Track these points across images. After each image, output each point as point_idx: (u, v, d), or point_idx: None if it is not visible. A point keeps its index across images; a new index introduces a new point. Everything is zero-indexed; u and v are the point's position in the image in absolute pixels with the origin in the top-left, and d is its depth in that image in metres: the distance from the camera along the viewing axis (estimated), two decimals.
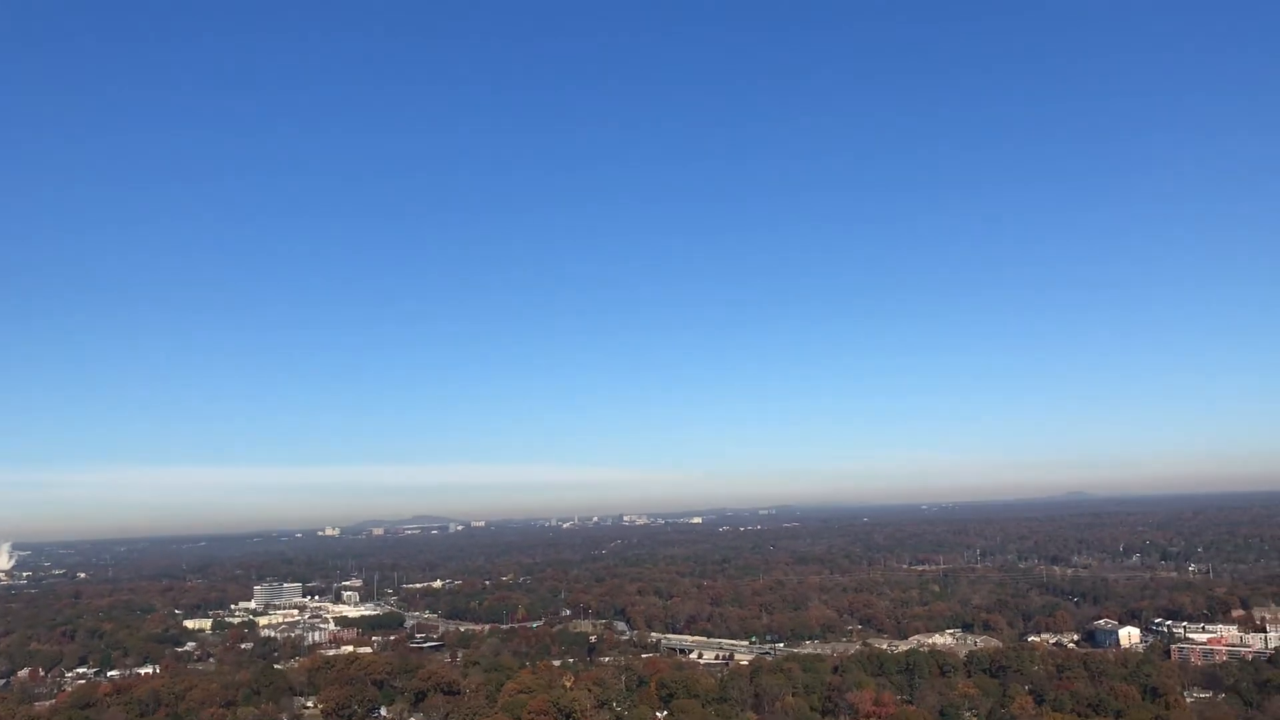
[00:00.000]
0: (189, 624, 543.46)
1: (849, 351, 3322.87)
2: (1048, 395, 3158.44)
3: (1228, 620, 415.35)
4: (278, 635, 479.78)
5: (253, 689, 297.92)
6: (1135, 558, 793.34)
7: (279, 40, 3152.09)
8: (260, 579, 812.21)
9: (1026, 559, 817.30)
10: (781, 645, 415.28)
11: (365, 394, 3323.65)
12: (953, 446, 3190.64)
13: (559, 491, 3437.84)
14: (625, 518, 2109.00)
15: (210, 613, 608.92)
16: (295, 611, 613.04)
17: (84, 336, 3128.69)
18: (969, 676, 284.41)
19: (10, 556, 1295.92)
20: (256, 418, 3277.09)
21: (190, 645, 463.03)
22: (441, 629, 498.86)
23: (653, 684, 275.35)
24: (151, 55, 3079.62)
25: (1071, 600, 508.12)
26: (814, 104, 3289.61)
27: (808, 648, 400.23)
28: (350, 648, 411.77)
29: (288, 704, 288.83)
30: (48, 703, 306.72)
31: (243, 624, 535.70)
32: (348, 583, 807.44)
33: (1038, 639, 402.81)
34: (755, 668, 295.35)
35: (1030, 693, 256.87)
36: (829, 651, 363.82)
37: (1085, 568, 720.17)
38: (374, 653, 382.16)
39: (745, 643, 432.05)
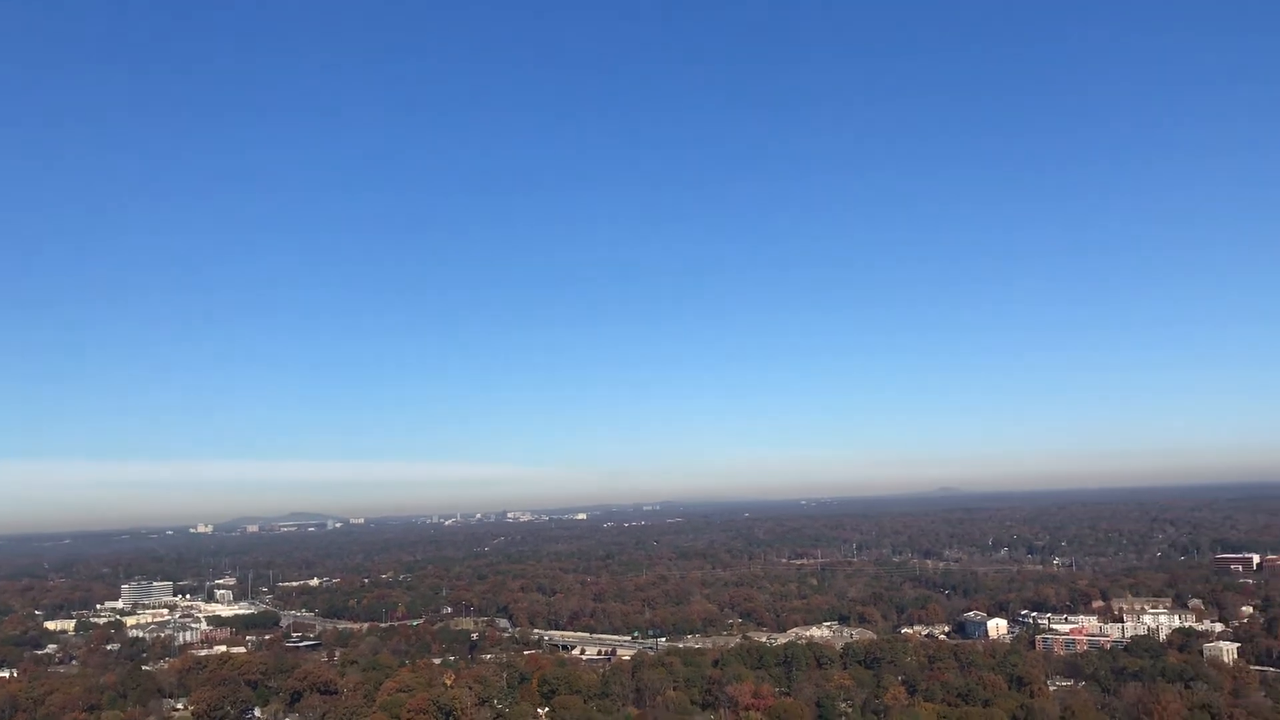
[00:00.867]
0: (50, 625, 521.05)
1: (730, 351, 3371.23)
2: (921, 395, 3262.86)
3: (1089, 611, 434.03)
4: (146, 636, 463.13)
5: (119, 691, 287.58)
6: (1003, 552, 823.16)
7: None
8: (128, 577, 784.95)
9: (901, 553, 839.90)
10: (663, 640, 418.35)
11: (238, 388, 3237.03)
12: (831, 444, 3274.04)
13: (441, 488, 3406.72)
14: (509, 514, 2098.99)
15: (74, 613, 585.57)
16: (165, 611, 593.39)
17: None
18: (845, 668, 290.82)
19: None
20: (125, 411, 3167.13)
21: (52, 648, 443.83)
22: (319, 628, 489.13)
23: (534, 681, 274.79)
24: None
25: (943, 593, 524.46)
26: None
27: (689, 642, 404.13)
28: (223, 648, 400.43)
29: (156, 706, 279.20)
30: None
31: (109, 624, 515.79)
32: (221, 581, 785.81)
33: (911, 631, 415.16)
34: (637, 663, 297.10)
35: (903, 683, 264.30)
36: (710, 645, 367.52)
37: (956, 561, 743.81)
38: (248, 652, 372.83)
39: (628, 638, 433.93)
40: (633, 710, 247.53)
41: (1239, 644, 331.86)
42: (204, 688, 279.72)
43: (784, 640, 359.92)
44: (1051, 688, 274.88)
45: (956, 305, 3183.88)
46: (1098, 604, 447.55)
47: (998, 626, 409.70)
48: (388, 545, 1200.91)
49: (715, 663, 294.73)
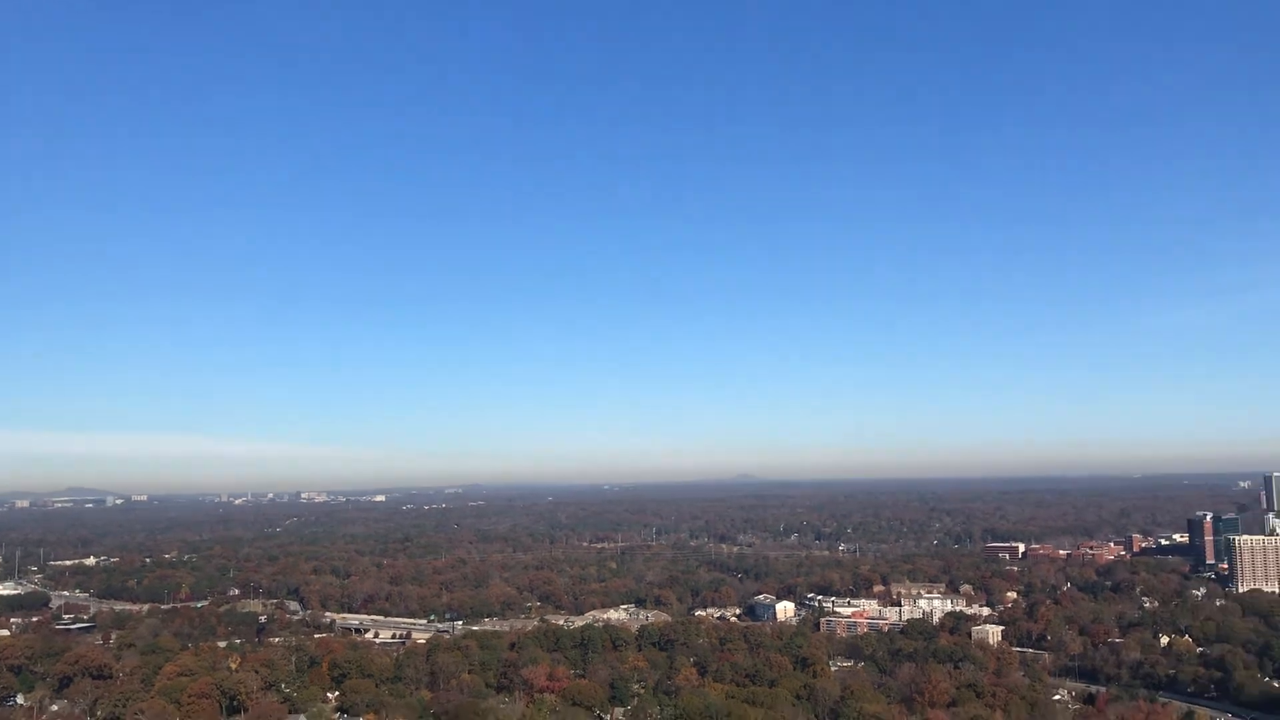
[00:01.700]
0: None
1: (535, 334, 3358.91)
2: (725, 386, 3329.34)
3: (870, 595, 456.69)
4: None
5: None
6: (794, 537, 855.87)
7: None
8: None
9: (698, 538, 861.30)
10: (461, 623, 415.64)
11: (7, 351, 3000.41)
12: (634, 430, 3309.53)
13: (231, 466, 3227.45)
14: (304, 495, 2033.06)
15: None
16: None
17: None
18: (639, 650, 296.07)
19: None
20: None
21: None
22: (94, 609, 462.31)
23: (325, 664, 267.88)
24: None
25: (736, 576, 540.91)
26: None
27: (487, 625, 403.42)
28: None
29: None
30: None
31: None
32: None
33: (704, 613, 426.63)
34: (432, 646, 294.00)
35: (695, 664, 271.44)
36: (508, 628, 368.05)
37: (750, 546, 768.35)
38: (12, 635, 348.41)
39: (424, 621, 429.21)
40: (426, 694, 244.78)
41: (1003, 626, 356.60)
42: None
43: (581, 623, 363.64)
44: (833, 668, 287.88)
45: (756, 302, 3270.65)
46: (878, 588, 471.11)
47: (786, 609, 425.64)
48: (172, 524, 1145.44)
49: (512, 646, 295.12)
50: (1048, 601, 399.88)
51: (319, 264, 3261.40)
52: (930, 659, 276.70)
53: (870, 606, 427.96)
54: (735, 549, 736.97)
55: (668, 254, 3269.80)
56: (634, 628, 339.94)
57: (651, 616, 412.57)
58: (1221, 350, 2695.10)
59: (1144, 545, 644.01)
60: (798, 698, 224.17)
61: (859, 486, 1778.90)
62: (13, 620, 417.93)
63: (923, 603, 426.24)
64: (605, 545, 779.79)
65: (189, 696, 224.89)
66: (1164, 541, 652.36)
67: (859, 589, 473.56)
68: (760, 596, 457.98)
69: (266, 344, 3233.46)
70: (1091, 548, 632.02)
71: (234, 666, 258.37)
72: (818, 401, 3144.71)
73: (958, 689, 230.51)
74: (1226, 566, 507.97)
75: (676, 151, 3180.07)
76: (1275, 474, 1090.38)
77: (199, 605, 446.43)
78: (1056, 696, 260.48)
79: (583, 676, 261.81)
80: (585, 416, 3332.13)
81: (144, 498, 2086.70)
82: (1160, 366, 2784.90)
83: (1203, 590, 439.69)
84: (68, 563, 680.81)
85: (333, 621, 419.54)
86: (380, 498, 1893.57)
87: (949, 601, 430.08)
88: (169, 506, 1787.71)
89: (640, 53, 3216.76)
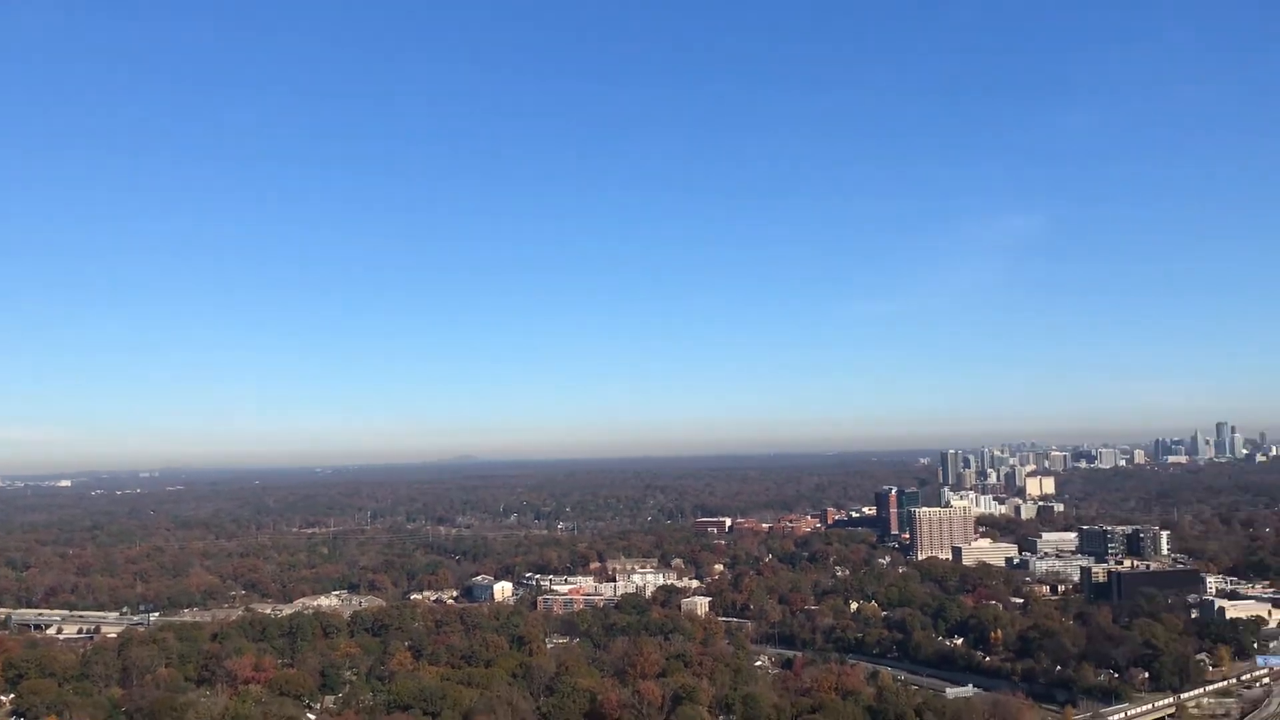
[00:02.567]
0: None
1: (235, 310, 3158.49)
2: (440, 360, 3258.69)
3: (587, 572, 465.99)
4: None
5: None
6: (514, 517, 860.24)
7: None
8: None
9: (415, 520, 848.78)
10: (157, 615, 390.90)
11: None
12: (348, 409, 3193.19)
13: None
14: None
15: None
16: None
17: None
18: (352, 636, 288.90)
19: None
20: None
21: None
22: None
23: None
24: None
25: (454, 559, 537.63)
26: None
27: (187, 616, 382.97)
28: None
29: None
30: None
31: None
32: None
33: (421, 596, 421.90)
34: (125, 640, 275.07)
35: (410, 648, 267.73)
36: (210, 619, 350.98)
37: (468, 528, 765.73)
38: None
39: (115, 614, 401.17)
40: (117, 691, 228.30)
41: (710, 598, 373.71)
42: None
43: (290, 611, 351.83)
44: (550, 645, 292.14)
45: (475, 284, 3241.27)
46: (595, 565, 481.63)
47: (503, 589, 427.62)
48: None
49: (214, 637, 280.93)
50: (751, 573, 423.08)
51: None
52: (642, 632, 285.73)
53: (587, 583, 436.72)
54: (454, 531, 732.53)
55: (385, 238, 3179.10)
56: (346, 614, 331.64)
57: (365, 602, 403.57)
58: (905, 339, 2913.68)
59: (837, 518, 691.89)
60: (514, 676, 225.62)
61: (579, 466, 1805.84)
62: None
63: (636, 578, 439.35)
64: (317, 530, 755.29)
65: None
66: (855, 514, 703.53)
67: (576, 567, 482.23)
68: (478, 578, 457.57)
69: None
70: (791, 521, 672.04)
71: None
72: (540, 381, 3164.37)
73: (667, 660, 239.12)
74: (908, 536, 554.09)
75: None
76: (950, 451, 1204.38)
77: None
78: (758, 662, 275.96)
79: (291, 666, 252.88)
80: (296, 395, 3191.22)
81: None
82: (852, 353, 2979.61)
83: (887, 559, 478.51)
84: None
85: (7, 618, 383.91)
86: (65, 483, 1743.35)
87: (661, 575, 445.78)
88: None
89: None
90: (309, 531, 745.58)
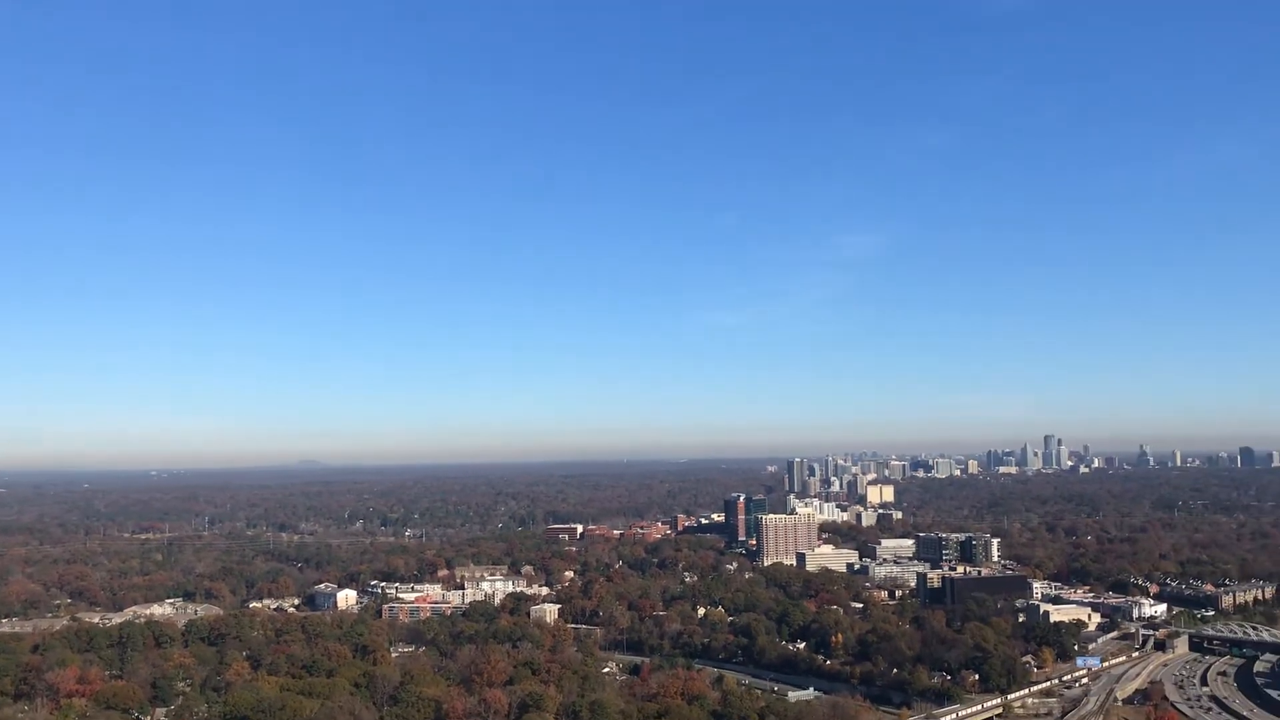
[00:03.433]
0: None
1: (75, 306, 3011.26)
2: (282, 360, 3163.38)
3: (435, 580, 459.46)
4: None
5: None
6: (359, 524, 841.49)
7: None
8: None
9: (255, 526, 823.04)
10: None
11: None
12: (182, 410, 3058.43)
13: None
14: None
15: None
16: None
17: None
18: (186, 646, 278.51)
19: None
20: None
21: None
22: None
23: None
24: None
25: (296, 566, 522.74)
26: None
27: (6, 626, 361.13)
28: None
29: None
30: None
31: None
32: None
33: (260, 605, 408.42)
34: None
35: (248, 658, 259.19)
36: (30, 629, 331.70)
37: (312, 534, 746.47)
38: None
39: None
40: None
41: (560, 605, 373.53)
42: None
43: (120, 620, 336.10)
44: (395, 654, 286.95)
45: (325, 286, 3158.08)
46: (443, 573, 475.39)
47: (347, 597, 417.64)
48: None
49: (35, 648, 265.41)
50: (601, 579, 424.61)
51: None
52: (491, 639, 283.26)
53: (434, 591, 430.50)
54: (296, 537, 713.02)
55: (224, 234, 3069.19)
56: (181, 623, 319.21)
57: (201, 610, 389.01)
58: (753, 351, 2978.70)
59: (687, 524, 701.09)
60: (356, 686, 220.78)
61: (428, 472, 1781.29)
62: None
63: (486, 585, 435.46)
64: (150, 536, 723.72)
65: None
66: (704, 520, 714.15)
67: (424, 574, 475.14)
68: (321, 585, 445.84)
69: None
70: (642, 527, 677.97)
71: None
72: (387, 384, 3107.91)
73: (515, 667, 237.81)
74: (755, 542, 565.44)
75: None
76: (796, 459, 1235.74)
77: None
78: (606, 669, 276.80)
79: (120, 677, 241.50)
80: (126, 394, 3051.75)
81: None
82: (703, 363, 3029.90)
83: (735, 565, 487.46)
84: None
85: None
86: None
87: (511, 583, 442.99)
88: None
89: None
90: (142, 537, 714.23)
